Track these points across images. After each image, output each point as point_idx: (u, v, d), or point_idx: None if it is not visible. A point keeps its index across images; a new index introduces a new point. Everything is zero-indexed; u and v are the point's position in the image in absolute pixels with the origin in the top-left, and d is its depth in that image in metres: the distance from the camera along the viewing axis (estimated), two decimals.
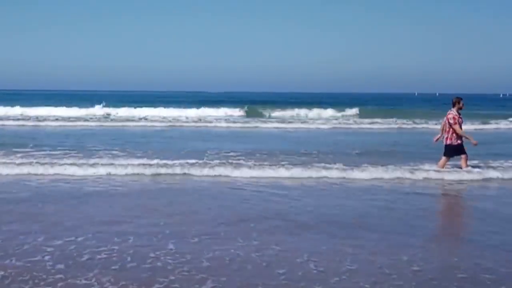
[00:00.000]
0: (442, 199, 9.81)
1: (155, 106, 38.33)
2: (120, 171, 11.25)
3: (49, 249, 6.15)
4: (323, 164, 12.19)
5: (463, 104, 11.99)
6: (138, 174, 11.19)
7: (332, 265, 5.76)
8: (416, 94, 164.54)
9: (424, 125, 28.72)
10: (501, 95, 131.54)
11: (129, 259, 5.87)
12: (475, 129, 25.10)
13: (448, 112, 11.96)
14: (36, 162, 11.86)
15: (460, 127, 11.79)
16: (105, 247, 6.27)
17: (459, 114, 11.92)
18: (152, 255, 5.99)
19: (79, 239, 6.63)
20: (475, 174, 11.43)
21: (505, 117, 33.22)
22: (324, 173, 11.32)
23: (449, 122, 11.79)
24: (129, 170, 11.29)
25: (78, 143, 17.01)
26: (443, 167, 11.87)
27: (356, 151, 15.73)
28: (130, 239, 6.66)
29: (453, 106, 11.97)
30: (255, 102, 51.24)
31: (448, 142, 11.82)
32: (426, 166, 12.03)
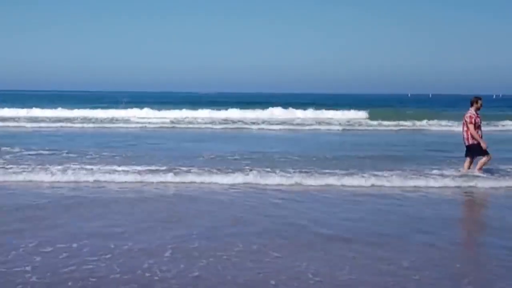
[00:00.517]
0: (445, 205, 9.37)
1: (153, 108, 38.21)
2: (117, 178, 10.86)
3: (37, 258, 5.94)
4: (328, 170, 11.84)
5: (481, 104, 11.77)
6: (135, 181, 10.73)
7: (330, 274, 5.54)
8: (409, 95, 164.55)
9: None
10: (494, 96, 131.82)
11: (117, 269, 5.64)
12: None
13: (466, 112, 11.80)
14: (32, 168, 11.58)
15: (476, 127, 11.56)
16: (96, 255, 6.04)
17: (477, 113, 11.70)
18: (145, 265, 5.75)
19: (74, 245, 6.44)
20: (484, 181, 10.98)
21: (502, 118, 32.94)
22: (326, 179, 10.93)
23: (465, 121, 11.63)
24: (128, 177, 10.89)
25: (71, 146, 16.68)
26: (480, 167, 11.55)
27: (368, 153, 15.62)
28: (127, 245, 6.47)
29: (471, 105, 11.80)
30: (254, 103, 50.28)
31: (471, 142, 11.60)
32: (434, 171, 11.76)
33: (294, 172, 11.53)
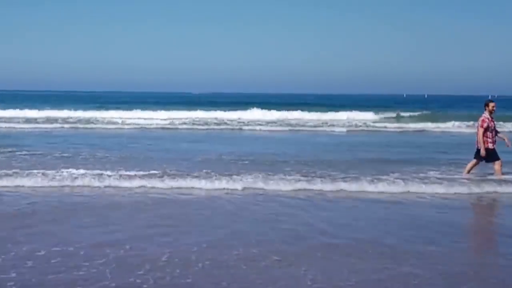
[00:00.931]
0: (449, 210, 9.08)
1: (149, 109, 37.92)
2: (113, 182, 10.51)
3: (28, 263, 5.74)
4: (331, 174, 11.59)
5: (493, 107, 11.57)
6: (133, 187, 10.30)
7: (329, 281, 5.38)
8: (405, 95, 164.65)
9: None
10: (489, 97, 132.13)
11: (109, 276, 5.44)
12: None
13: (481, 115, 11.67)
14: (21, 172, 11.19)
15: (490, 131, 11.40)
16: (90, 261, 5.85)
17: (491, 117, 11.56)
18: (139, 271, 5.54)
19: (70, 249, 6.26)
20: (496, 186, 10.63)
21: (499, 119, 32.74)
22: (329, 184, 10.56)
23: (477, 124, 11.59)
24: (125, 182, 10.51)
25: (65, 148, 16.40)
26: (500, 173, 11.35)
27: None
28: (123, 249, 6.29)
29: (485, 109, 11.68)
30: (252, 104, 49.27)
31: (490, 146, 11.43)
32: (439, 175, 11.55)
33: (295, 176, 11.16)
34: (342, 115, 36.07)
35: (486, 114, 11.53)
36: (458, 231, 7.75)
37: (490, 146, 11.41)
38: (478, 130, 11.52)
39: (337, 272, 5.61)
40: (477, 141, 11.54)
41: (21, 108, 36.51)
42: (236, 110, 37.35)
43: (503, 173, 11.39)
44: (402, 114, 38.57)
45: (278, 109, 38.33)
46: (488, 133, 11.42)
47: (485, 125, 11.38)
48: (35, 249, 6.23)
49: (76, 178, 10.68)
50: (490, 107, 11.56)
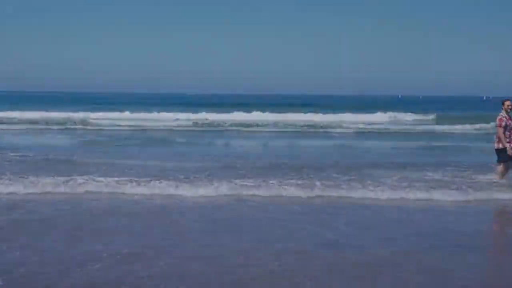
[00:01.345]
0: (447, 216, 8.76)
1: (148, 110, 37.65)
2: (108, 189, 10.14)
3: (20, 270, 5.52)
4: (337, 178, 11.27)
5: (508, 105, 11.38)
6: (130, 193, 9.92)
7: (330, 287, 5.25)
8: (400, 96, 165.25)
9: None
10: (484, 98, 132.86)
11: (102, 281, 5.24)
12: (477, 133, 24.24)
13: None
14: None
15: (506, 129, 11.22)
16: (84, 266, 5.67)
17: (509, 115, 11.42)
18: (135, 278, 5.35)
19: (66, 254, 6.13)
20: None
21: (493, 119, 32.65)
22: (329, 190, 10.21)
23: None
24: (128, 189, 10.09)
25: (60, 151, 16.24)
26: (500, 176, 11.18)
27: None
28: (120, 255, 6.12)
29: (502, 108, 11.55)
30: (251, 105, 48.24)
31: (500, 146, 11.26)
32: (446, 178, 11.31)
33: (296, 180, 10.80)
34: (344, 117, 35.71)
35: (503, 113, 11.40)
36: (459, 237, 7.48)
37: (508, 145, 11.19)
38: (497, 129, 11.38)
39: (337, 278, 5.48)
40: (496, 141, 11.37)
41: (12, 110, 36.10)
42: (234, 111, 36.94)
43: (503, 177, 11.17)
44: (404, 115, 38.41)
45: (277, 111, 38.08)
46: (506, 132, 11.25)
47: (503, 123, 11.23)
48: (28, 254, 6.08)
49: (69, 183, 10.33)
50: (506, 106, 11.40)
